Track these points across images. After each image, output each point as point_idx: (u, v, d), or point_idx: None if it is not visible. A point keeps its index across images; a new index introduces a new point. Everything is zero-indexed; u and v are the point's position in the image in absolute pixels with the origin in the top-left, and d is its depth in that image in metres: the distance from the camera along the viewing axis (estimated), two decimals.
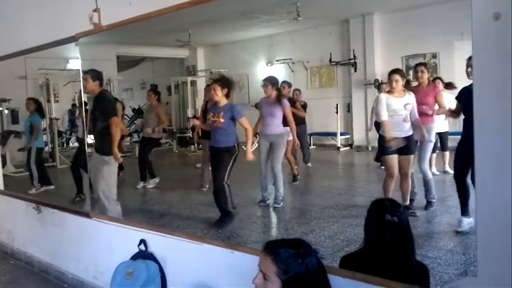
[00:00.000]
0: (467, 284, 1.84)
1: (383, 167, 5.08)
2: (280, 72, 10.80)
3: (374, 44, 9.53)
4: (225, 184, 4.26)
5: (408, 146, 4.43)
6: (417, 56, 9.00)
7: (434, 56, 8.78)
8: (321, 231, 4.17)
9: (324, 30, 10.07)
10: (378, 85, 8.38)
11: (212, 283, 2.80)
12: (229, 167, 4.27)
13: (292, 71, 10.61)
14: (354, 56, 9.71)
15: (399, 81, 4.36)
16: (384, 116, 4.40)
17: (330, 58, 9.99)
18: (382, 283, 1.93)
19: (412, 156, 4.51)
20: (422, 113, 4.56)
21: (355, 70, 9.80)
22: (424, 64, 4.81)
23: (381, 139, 4.53)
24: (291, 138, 5.55)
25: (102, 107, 4.17)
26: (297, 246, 1.70)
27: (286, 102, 5.13)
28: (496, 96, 1.59)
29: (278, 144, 5.06)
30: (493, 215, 1.63)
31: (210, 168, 4.86)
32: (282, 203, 5.04)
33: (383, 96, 4.48)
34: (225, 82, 4.34)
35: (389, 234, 1.86)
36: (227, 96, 4.36)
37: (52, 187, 6.60)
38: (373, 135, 8.71)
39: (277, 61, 11.03)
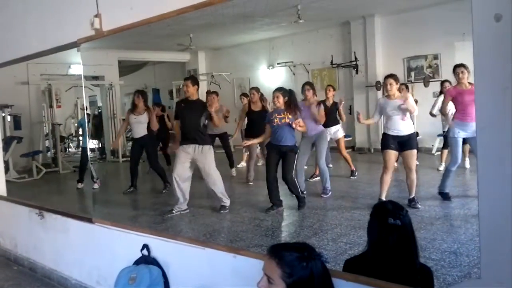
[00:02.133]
0: (471, 286, 1.84)
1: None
2: (281, 75, 10.81)
3: (375, 46, 9.51)
4: (294, 177, 5.04)
5: (410, 142, 4.77)
6: (418, 58, 9.00)
7: (436, 57, 8.78)
8: (324, 234, 4.16)
9: (325, 32, 10.06)
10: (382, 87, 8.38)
11: None
12: (294, 163, 5.05)
13: (294, 74, 10.59)
14: (356, 58, 9.70)
15: (393, 85, 4.81)
16: (375, 118, 5.12)
17: (332, 60, 9.97)
18: (386, 286, 1.92)
19: (415, 151, 4.83)
20: (471, 114, 4.70)
21: (357, 72, 9.78)
22: (464, 65, 4.80)
23: (383, 136, 4.94)
24: (342, 135, 6.76)
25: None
26: (302, 249, 1.70)
27: (321, 105, 5.83)
28: (497, 97, 1.59)
29: (321, 141, 5.72)
30: (496, 217, 1.62)
31: (265, 163, 5.42)
32: (329, 193, 5.58)
33: (380, 100, 5.03)
34: (286, 91, 5.11)
35: (392, 237, 1.86)
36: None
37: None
38: (376, 137, 8.73)
39: (278, 64, 11.02)
